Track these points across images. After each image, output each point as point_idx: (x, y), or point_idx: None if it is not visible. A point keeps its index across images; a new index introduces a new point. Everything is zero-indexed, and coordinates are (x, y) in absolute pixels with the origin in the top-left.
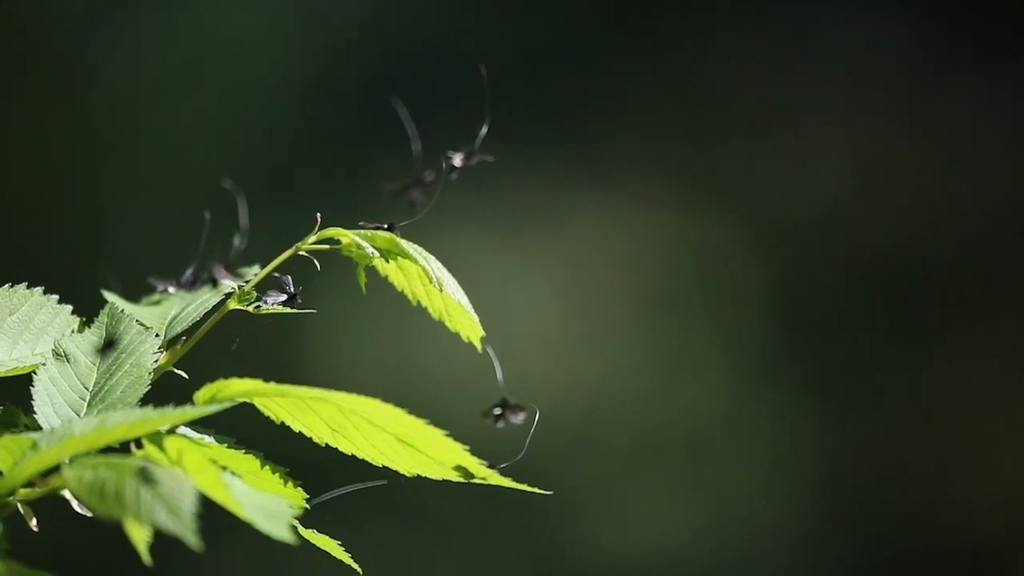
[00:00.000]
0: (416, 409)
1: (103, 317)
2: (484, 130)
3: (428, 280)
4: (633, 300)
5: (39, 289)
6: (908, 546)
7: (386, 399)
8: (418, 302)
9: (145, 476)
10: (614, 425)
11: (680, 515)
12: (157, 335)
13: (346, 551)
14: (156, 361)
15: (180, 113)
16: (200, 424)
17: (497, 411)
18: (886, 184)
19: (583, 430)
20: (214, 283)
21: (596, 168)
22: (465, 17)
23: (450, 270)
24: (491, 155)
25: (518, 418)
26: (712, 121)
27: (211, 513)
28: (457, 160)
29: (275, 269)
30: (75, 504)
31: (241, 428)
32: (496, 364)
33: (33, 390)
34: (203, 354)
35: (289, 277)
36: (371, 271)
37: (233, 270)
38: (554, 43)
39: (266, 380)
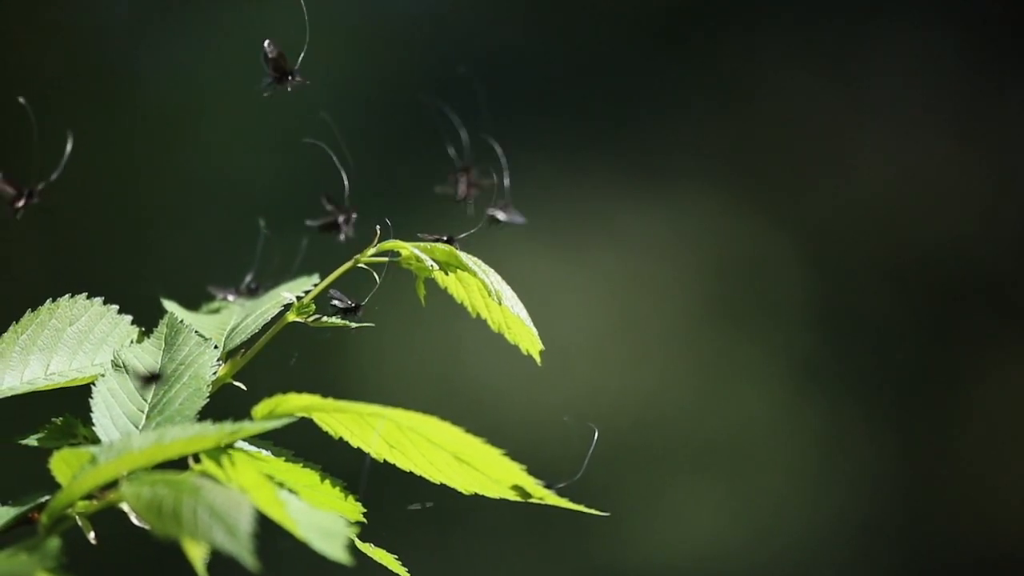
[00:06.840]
0: (470, 423)
1: (162, 327)
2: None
3: (488, 293)
4: (682, 308)
5: (99, 299)
6: (957, 557)
7: (440, 413)
8: (478, 314)
9: (202, 495)
10: (663, 434)
11: (728, 526)
12: (216, 347)
13: (403, 565)
14: (215, 373)
15: (233, 120)
16: (257, 436)
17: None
18: (935, 193)
19: (632, 439)
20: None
21: (647, 178)
22: (520, 28)
23: (503, 279)
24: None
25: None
26: (761, 131)
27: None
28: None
29: (334, 281)
30: (133, 517)
31: (295, 436)
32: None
33: (92, 402)
34: (259, 365)
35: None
36: (430, 283)
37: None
38: (607, 54)
39: (321, 392)
